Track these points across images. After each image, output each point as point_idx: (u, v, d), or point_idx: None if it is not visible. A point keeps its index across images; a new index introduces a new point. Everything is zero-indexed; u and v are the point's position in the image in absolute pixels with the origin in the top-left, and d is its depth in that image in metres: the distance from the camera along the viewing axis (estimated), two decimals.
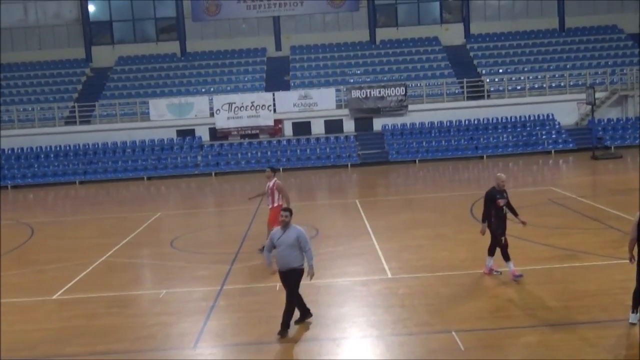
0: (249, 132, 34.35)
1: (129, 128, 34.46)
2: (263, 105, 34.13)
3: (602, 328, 9.07)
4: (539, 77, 35.68)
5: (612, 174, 24.51)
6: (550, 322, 9.36)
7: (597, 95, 32.28)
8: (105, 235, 17.44)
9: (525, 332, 9.08)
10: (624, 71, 34.51)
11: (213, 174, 32.35)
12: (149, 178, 32.33)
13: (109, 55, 40.16)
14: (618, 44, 38.23)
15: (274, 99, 34.42)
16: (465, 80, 35.19)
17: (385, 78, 36.67)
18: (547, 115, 33.77)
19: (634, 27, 39.01)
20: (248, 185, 28.33)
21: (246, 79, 37.93)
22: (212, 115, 34.33)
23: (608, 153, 30.20)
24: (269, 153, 33.22)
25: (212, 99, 34.57)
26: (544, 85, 35.01)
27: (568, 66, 36.41)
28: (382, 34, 40.29)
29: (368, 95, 34.17)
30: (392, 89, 34.29)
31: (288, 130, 34.62)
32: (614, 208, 16.91)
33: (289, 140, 33.99)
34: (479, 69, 37.35)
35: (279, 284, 12.04)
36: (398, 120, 34.31)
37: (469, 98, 35.09)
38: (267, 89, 36.36)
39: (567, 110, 33.69)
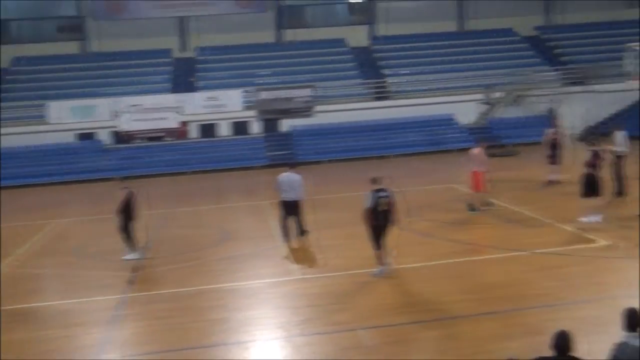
0: (154, 134, 33.57)
1: (27, 132, 32.86)
2: (169, 108, 33.46)
3: (505, 318, 9.47)
4: (441, 78, 36.77)
5: (508, 171, 25.56)
6: (455, 314, 9.69)
7: (495, 95, 33.72)
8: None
9: (432, 325, 9.36)
10: (520, 72, 36.15)
11: (117, 178, 31.33)
12: (49, 184, 30.93)
13: (3, 56, 38.13)
14: (515, 47, 40.02)
15: (179, 101, 33.78)
16: (370, 81, 35.77)
17: (293, 79, 36.77)
18: (449, 115, 34.91)
19: (528, 30, 41.02)
20: (155, 190, 27.68)
21: (151, 80, 37.05)
22: (116, 117, 33.30)
23: (504, 150, 31.46)
24: (175, 156, 32.60)
25: (115, 101, 33.53)
26: (446, 86, 36.15)
27: (468, 67, 37.76)
28: (290, 35, 40.42)
29: (276, 96, 34.18)
30: (299, 90, 34.46)
31: (195, 132, 34.08)
32: (511, 203, 17.71)
33: (196, 143, 33.46)
34: (384, 70, 38.12)
35: (186, 290, 11.89)
36: (307, 121, 34.51)
37: (376, 99, 35.74)
38: (173, 91, 35.67)
39: (467, 110, 34.96)
